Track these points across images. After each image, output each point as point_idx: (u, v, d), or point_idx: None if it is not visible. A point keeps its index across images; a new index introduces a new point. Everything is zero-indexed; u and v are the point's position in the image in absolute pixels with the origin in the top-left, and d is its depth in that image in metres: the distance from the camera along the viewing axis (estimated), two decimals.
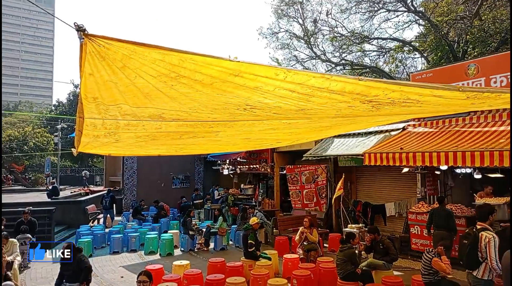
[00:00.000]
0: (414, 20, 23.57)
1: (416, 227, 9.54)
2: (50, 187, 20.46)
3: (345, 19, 26.20)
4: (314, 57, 26.59)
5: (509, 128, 7.80)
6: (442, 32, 18.75)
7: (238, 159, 16.95)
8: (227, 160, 17.68)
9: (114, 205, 16.63)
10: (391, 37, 25.40)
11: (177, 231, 12.63)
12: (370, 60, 26.63)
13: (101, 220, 16.55)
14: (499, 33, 17.65)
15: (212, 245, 11.63)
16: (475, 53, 18.06)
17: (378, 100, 3.12)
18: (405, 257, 9.66)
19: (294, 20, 26.70)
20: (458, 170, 9.46)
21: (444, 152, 7.78)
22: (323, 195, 13.08)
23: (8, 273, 6.79)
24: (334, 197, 10.81)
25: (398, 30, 30.27)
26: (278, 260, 8.96)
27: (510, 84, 3.19)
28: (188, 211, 12.23)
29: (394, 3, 22.62)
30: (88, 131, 4.28)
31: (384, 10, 23.11)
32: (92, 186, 33.41)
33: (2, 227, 9.29)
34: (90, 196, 19.71)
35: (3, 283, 6.23)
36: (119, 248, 11.45)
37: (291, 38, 27.41)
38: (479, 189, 9.31)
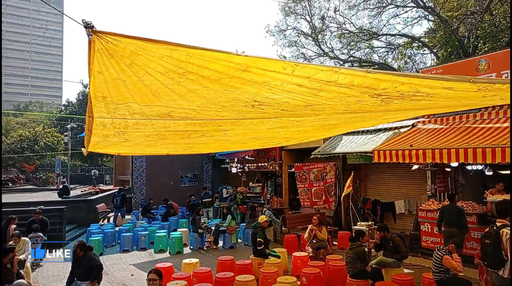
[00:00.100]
0: (423, 15, 23.30)
1: (426, 225, 9.46)
2: (61, 186, 20.64)
3: (353, 15, 25.99)
4: (322, 54, 26.45)
5: None
6: (452, 28, 18.50)
7: (247, 157, 16.97)
8: (236, 159, 17.71)
9: (125, 203, 16.77)
10: (400, 33, 25.15)
11: (186, 229, 12.70)
12: (379, 56, 26.43)
13: (111, 219, 16.69)
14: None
15: (221, 243, 11.67)
16: (486, 49, 17.79)
17: (387, 94, 3.08)
18: (415, 255, 9.59)
19: (301, 17, 26.59)
20: (469, 167, 9.35)
21: (454, 148, 7.69)
22: (332, 193, 13.04)
23: (21, 271, 6.88)
24: (343, 195, 10.77)
25: (407, 26, 29.92)
26: (287, 258, 8.95)
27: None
28: (197, 210, 12.28)
29: None
30: (98, 130, 4.31)
31: (393, 6, 22.87)
32: (101, 185, 33.70)
33: (15, 226, 9.44)
34: (100, 195, 19.88)
35: (16, 281, 6.32)
36: (129, 247, 11.54)
37: (298, 35, 27.30)
38: (490, 186, 9.19)
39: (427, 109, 4.46)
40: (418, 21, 23.96)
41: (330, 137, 12.27)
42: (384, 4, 22.93)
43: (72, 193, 22.14)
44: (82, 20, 1.92)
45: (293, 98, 3.23)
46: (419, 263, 9.12)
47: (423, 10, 22.44)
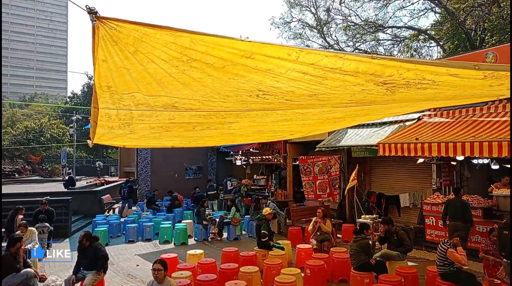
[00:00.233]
0: (429, 7, 23.06)
1: (431, 218, 9.45)
2: (67, 178, 20.81)
3: (358, 7, 25.79)
4: (327, 46, 26.31)
5: None
6: (459, 20, 18.30)
7: (251, 150, 16.99)
8: (240, 151, 17.73)
9: (132, 194, 16.91)
10: (406, 25, 24.95)
11: (191, 221, 12.78)
12: (385, 49, 26.26)
13: (117, 210, 16.82)
14: None
15: (225, 235, 11.74)
16: (493, 41, 17.60)
17: (392, 81, 3.06)
18: (420, 248, 9.60)
19: (306, 9, 26.44)
20: (474, 161, 9.30)
21: (460, 142, 7.64)
22: (336, 186, 13.04)
23: (28, 260, 6.97)
24: (347, 187, 10.77)
25: (413, 18, 29.67)
26: (291, 250, 9.00)
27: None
28: (202, 201, 12.34)
29: None
30: (103, 122, 4.32)
31: None
32: (107, 176, 33.91)
33: (22, 216, 9.56)
34: (106, 186, 20.03)
35: (23, 270, 6.41)
36: (134, 237, 11.65)
37: (303, 27, 27.18)
38: (496, 180, 9.14)
39: (433, 100, 4.41)
40: (424, 13, 23.75)
41: (335, 130, 12.23)
42: None
43: (78, 184, 22.30)
44: (86, 6, 1.91)
45: (298, 86, 3.21)
46: (423, 256, 9.13)
47: (429, 2, 22.21)
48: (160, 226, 11.72)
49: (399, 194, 11.36)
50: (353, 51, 25.43)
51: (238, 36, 2.23)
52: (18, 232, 7.92)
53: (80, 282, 6.37)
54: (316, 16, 25.74)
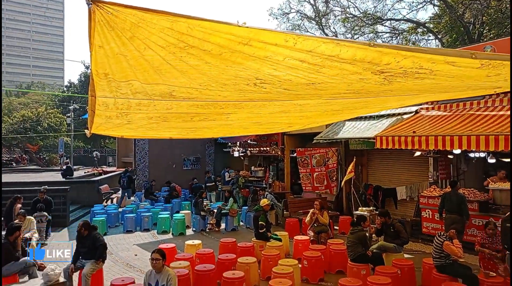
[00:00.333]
0: (428, 0, 22.94)
1: (428, 211, 9.53)
2: (64, 167, 20.81)
3: None
4: None
5: None
6: (458, 13, 18.24)
7: (249, 141, 17.00)
8: (238, 143, 17.73)
9: (132, 184, 16.96)
10: (404, 18, 24.85)
11: (189, 211, 12.83)
12: (383, 42, 26.14)
13: (115, 200, 16.87)
14: None
15: (223, 225, 11.80)
16: (491, 35, 17.58)
17: (389, 70, 3.06)
18: (416, 241, 9.69)
19: (305, 0, 26.23)
20: (471, 154, 9.35)
21: (457, 135, 7.68)
22: (334, 178, 13.09)
23: (27, 249, 7.00)
24: (344, 180, 10.82)
25: (412, 11, 29.56)
26: (288, 241, 9.06)
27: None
28: (200, 192, 12.38)
29: None
30: (101, 111, 4.31)
31: None
32: (104, 166, 33.89)
33: (20, 205, 9.57)
34: (104, 176, 20.05)
35: (22, 258, 6.44)
36: (132, 227, 11.69)
37: (302, 19, 27.04)
38: (492, 174, 9.21)
39: (430, 92, 4.40)
40: (423, 6, 23.67)
41: (332, 123, 12.25)
42: None
43: (75, 174, 22.30)
44: None
45: (295, 75, 3.21)
46: (420, 248, 9.22)
47: None
48: (158, 216, 11.76)
49: (396, 187, 11.43)
50: None
51: (235, 22, 2.22)
52: (16, 221, 7.94)
53: (79, 271, 6.41)
54: (314, 7, 25.61)
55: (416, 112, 10.10)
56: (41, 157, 43.81)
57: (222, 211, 11.74)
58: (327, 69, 3.02)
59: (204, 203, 12.17)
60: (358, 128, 11.42)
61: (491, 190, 8.79)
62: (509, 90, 3.94)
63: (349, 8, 24.84)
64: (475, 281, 5.69)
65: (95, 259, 6.38)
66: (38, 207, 10.26)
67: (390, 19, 24.76)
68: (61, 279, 5.55)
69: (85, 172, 25.39)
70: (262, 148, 16.46)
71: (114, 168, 27.30)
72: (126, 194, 16.32)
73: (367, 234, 7.18)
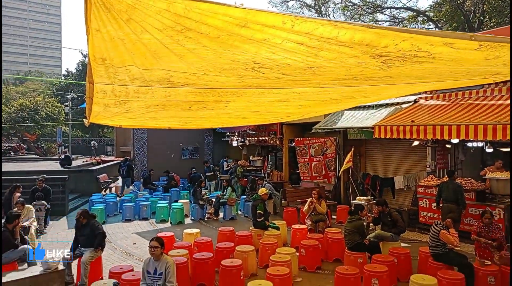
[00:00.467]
0: None
1: (425, 200, 9.58)
2: (63, 156, 20.75)
3: None
4: None
5: None
6: (458, 2, 18.10)
7: (247, 131, 16.99)
8: (236, 132, 17.73)
9: (131, 173, 17.00)
10: (404, 6, 24.65)
11: (187, 200, 12.87)
12: None
13: (113, 189, 16.89)
14: None
15: (221, 215, 11.85)
16: (492, 24, 17.47)
17: (388, 54, 3.04)
18: (413, 230, 9.76)
19: None
20: (469, 144, 9.37)
21: (456, 125, 7.69)
22: (332, 167, 13.13)
23: (26, 237, 7.03)
24: (342, 169, 10.85)
25: None
26: (286, 230, 9.12)
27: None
28: (199, 182, 12.41)
29: None
30: (99, 98, 4.28)
31: None
32: (103, 156, 33.86)
33: (19, 194, 9.58)
34: (102, 165, 20.05)
35: (21, 246, 6.47)
36: (131, 216, 11.73)
37: (301, 7, 26.83)
38: (490, 164, 9.25)
39: (428, 78, 4.37)
40: None
41: (331, 112, 12.23)
42: None
43: (74, 163, 22.27)
44: None
45: (293, 58, 3.19)
46: (416, 237, 9.30)
47: None
48: (157, 205, 11.80)
49: (393, 176, 11.47)
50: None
51: (232, 2, 2.20)
52: (15, 209, 7.96)
53: (78, 259, 6.45)
54: None
55: (415, 101, 10.09)
56: (39, 146, 43.72)
57: (221, 200, 11.79)
58: (326, 52, 3.00)
59: (203, 192, 12.21)
60: (357, 117, 11.41)
61: (488, 179, 8.84)
62: (508, 78, 3.93)
63: None
64: (470, 269, 5.75)
65: (94, 247, 6.42)
66: (37, 196, 10.29)
67: (390, 8, 24.60)
68: (60, 267, 5.58)
69: (83, 162, 25.31)
70: (260, 138, 16.48)
71: (112, 158, 27.27)
72: (126, 182, 16.36)
73: (364, 223, 7.23)
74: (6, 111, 42.37)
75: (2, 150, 36.51)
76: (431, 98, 9.84)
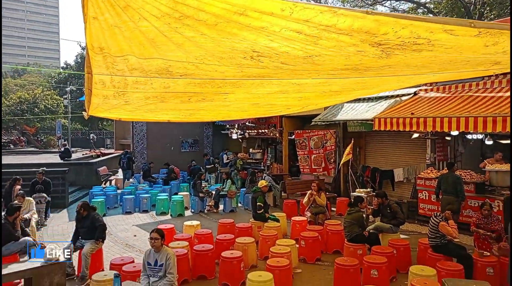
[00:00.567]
0: None
1: (424, 193, 9.61)
2: (62, 149, 20.75)
3: None
4: None
5: None
6: None
7: (247, 123, 16.97)
8: (236, 125, 17.71)
9: (131, 165, 17.02)
10: None
11: (187, 193, 12.90)
12: None
13: (113, 182, 16.92)
14: None
15: (221, 207, 11.89)
16: (492, 16, 17.38)
17: (387, 42, 3.02)
18: (412, 222, 9.79)
19: None
20: (469, 136, 9.37)
21: (456, 117, 7.68)
22: (332, 160, 13.14)
23: (26, 229, 7.06)
24: (341, 162, 10.85)
25: None
26: (286, 222, 9.15)
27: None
28: (199, 174, 12.43)
29: None
30: (98, 90, 4.26)
31: None
32: (102, 148, 33.85)
33: (19, 186, 9.59)
34: (102, 158, 20.06)
35: (22, 238, 6.49)
36: (131, 209, 11.77)
37: None
38: (489, 156, 9.26)
39: (428, 68, 4.34)
40: None
41: (331, 105, 12.21)
42: None
43: (73, 156, 22.28)
44: None
45: (292, 46, 3.17)
46: (416, 229, 9.33)
47: None
48: (157, 198, 11.83)
49: (393, 168, 11.49)
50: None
51: None
52: (15, 202, 7.98)
53: (78, 251, 6.48)
54: None
55: (415, 93, 10.07)
56: (39, 139, 43.70)
57: (221, 193, 11.81)
58: (325, 40, 2.99)
59: (203, 185, 12.24)
60: (357, 110, 11.39)
61: (488, 171, 8.85)
62: (508, 70, 3.91)
63: None
64: (469, 260, 5.79)
65: (95, 239, 6.45)
66: (37, 188, 10.30)
67: None
68: (61, 258, 5.60)
69: (83, 154, 25.31)
70: (260, 130, 16.47)
71: (112, 150, 27.29)
72: (126, 175, 16.38)
73: (364, 215, 7.25)
74: (5, 103, 42.28)
75: (2, 143, 36.50)
76: (431, 90, 9.82)
